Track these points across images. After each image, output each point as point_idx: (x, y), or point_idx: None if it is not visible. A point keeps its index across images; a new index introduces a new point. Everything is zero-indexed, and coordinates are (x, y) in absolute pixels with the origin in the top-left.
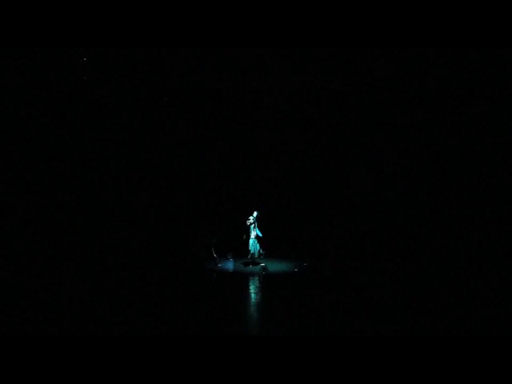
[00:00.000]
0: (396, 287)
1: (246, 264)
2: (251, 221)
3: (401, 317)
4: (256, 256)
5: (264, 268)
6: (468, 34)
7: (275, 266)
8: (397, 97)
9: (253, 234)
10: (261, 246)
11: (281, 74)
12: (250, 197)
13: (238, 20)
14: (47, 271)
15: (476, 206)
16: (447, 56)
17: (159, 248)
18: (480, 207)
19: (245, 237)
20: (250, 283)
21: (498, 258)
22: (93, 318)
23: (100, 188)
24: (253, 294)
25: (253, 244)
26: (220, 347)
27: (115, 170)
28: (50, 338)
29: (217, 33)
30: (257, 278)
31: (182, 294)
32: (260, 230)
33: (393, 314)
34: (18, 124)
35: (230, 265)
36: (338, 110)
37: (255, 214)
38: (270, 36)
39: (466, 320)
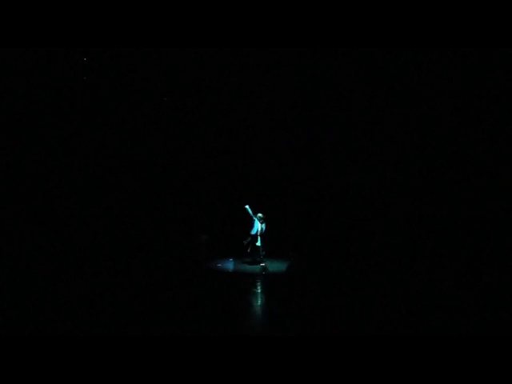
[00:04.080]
0: (396, 287)
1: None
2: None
3: (401, 317)
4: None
5: (264, 268)
6: (468, 34)
7: (275, 266)
8: (397, 96)
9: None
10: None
11: (281, 74)
12: (248, 196)
13: (238, 20)
14: (47, 271)
15: (476, 205)
16: (447, 56)
17: (158, 247)
18: (480, 206)
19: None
20: (250, 283)
21: (499, 258)
22: (92, 317)
23: (98, 187)
24: (252, 294)
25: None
26: (220, 347)
27: (113, 169)
28: (50, 338)
29: (217, 33)
30: (257, 278)
31: (181, 294)
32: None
33: (393, 314)
34: (18, 124)
35: (229, 265)
36: (338, 109)
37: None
38: (270, 36)
39: (466, 320)
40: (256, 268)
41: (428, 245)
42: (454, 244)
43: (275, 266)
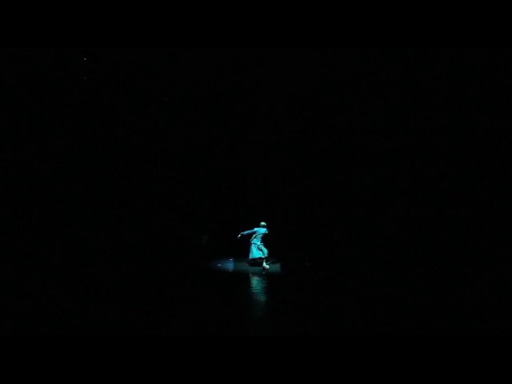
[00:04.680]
0: (396, 287)
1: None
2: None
3: (401, 317)
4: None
5: (264, 268)
6: (468, 34)
7: (275, 266)
8: (397, 96)
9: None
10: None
11: (281, 74)
12: (247, 197)
13: (238, 20)
14: (46, 271)
15: (476, 205)
16: (447, 56)
17: (158, 247)
18: (480, 207)
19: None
20: (250, 283)
21: (499, 258)
22: (92, 318)
23: (97, 187)
24: (252, 294)
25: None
26: (220, 347)
27: (113, 169)
28: (49, 338)
29: (217, 33)
30: (256, 278)
31: (181, 294)
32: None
33: (393, 314)
34: (18, 124)
35: (230, 265)
36: (338, 110)
37: (263, 223)
38: (270, 36)
39: (466, 320)
40: (256, 268)
41: (428, 244)
42: (454, 244)
43: (275, 267)
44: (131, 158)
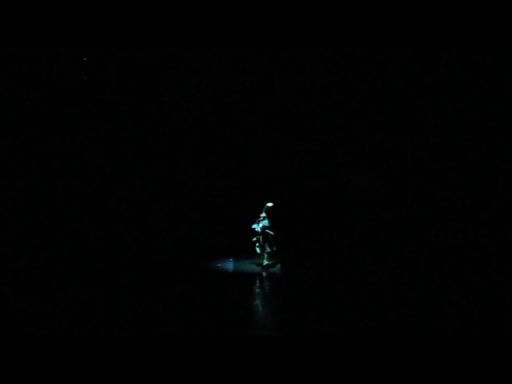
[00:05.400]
0: (396, 287)
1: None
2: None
3: (401, 317)
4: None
5: (264, 268)
6: (468, 34)
7: (275, 267)
8: (397, 97)
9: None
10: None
11: (281, 74)
12: (247, 197)
13: (239, 20)
14: (47, 271)
15: (475, 206)
16: (447, 56)
17: (159, 247)
18: (479, 207)
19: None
20: (250, 283)
21: (499, 258)
22: (93, 318)
23: (98, 187)
24: (253, 294)
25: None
26: (220, 347)
27: (113, 169)
28: (49, 338)
29: (217, 33)
30: (257, 278)
31: (182, 294)
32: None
33: (393, 313)
34: (18, 124)
35: (230, 265)
36: (338, 110)
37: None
38: (270, 36)
39: (467, 320)
40: (255, 268)
41: (428, 244)
42: (454, 243)
43: (275, 267)
44: (128, 156)
